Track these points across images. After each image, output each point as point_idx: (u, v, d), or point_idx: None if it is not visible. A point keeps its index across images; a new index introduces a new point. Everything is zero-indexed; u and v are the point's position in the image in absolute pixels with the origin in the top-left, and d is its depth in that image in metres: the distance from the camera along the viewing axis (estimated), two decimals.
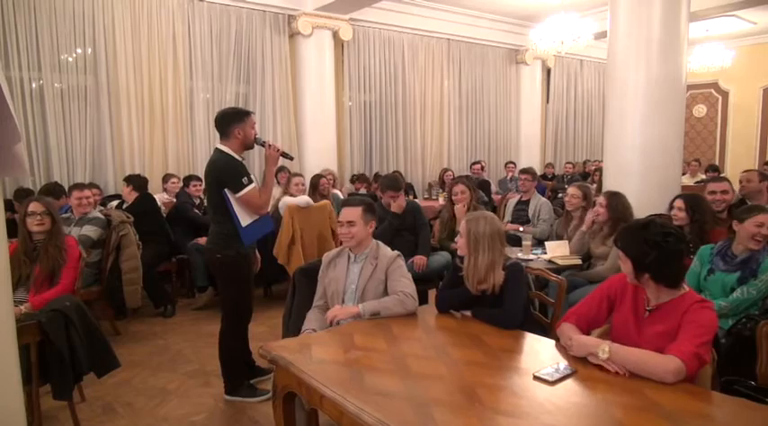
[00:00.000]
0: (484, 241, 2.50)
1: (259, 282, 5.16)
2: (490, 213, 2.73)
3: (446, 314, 2.62)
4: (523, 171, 5.79)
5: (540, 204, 5.32)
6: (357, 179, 8.01)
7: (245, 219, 3.14)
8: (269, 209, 3.39)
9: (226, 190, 3.10)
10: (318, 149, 7.78)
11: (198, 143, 6.98)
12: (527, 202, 5.44)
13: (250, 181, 3.12)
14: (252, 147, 3.29)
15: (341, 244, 2.89)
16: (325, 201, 5.40)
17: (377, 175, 8.30)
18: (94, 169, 6.37)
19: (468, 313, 2.56)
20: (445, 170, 8.94)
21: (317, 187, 5.84)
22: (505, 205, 5.91)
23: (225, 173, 3.11)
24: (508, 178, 9.21)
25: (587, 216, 4.08)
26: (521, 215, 5.41)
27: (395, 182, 4.45)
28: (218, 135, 3.25)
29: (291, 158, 3.58)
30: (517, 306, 2.43)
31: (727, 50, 10.10)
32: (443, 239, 4.71)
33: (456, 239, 2.67)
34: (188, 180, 5.97)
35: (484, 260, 2.49)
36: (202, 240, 5.15)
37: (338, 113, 8.14)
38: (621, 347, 1.91)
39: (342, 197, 6.57)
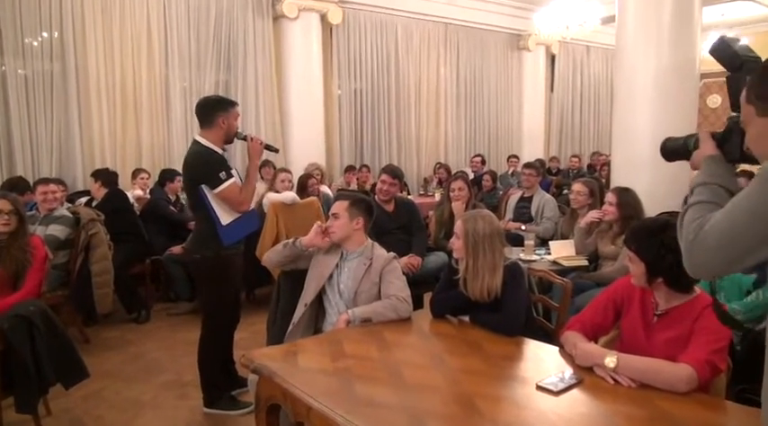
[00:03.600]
0: (484, 242, 2.50)
1: (241, 286, 5.15)
2: (487, 211, 2.73)
3: (442, 319, 2.62)
4: (527, 165, 5.80)
5: (543, 201, 5.33)
6: (348, 170, 8.00)
7: (224, 217, 3.13)
8: (252, 206, 3.38)
9: (203, 186, 3.09)
10: (305, 141, 7.76)
11: (174, 135, 6.94)
12: (530, 199, 5.45)
13: (229, 176, 3.10)
14: (232, 141, 3.29)
15: None
16: (312, 198, 5.39)
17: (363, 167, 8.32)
18: (61, 163, 6.33)
19: (465, 318, 2.56)
20: (440, 165, 8.93)
21: (305, 188, 5.81)
22: (506, 202, 5.93)
23: (201, 167, 3.10)
24: (510, 173, 9.23)
25: (588, 213, 4.09)
26: (523, 212, 5.42)
27: (395, 168, 4.50)
28: (196, 127, 3.25)
29: (276, 150, 3.58)
30: (517, 310, 2.43)
31: (743, 37, 10.15)
32: (440, 239, 4.71)
33: (452, 240, 2.67)
34: (171, 174, 5.90)
35: (485, 262, 2.49)
36: (177, 249, 5.16)
37: (326, 103, 8.12)
38: (629, 356, 1.91)
39: (331, 195, 6.55)
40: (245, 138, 3.27)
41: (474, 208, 4.21)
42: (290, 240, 2.89)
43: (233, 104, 3.25)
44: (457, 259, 2.61)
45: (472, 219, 2.56)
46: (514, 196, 5.75)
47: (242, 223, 3.22)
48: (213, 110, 3.17)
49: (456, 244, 2.59)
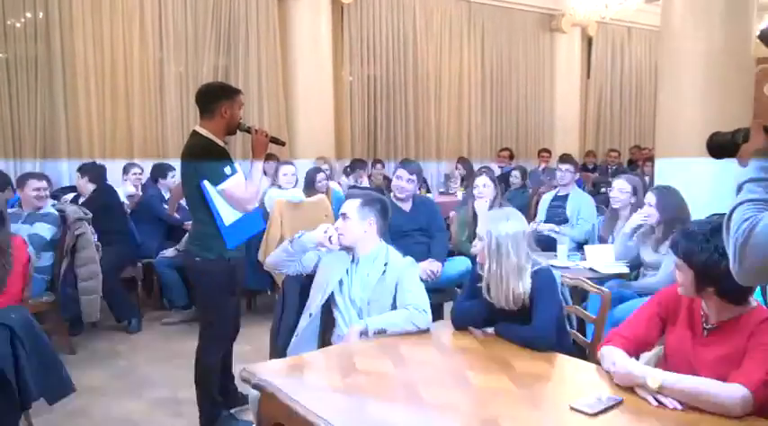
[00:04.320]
0: (507, 243, 2.49)
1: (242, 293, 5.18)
2: (513, 210, 2.72)
3: (465, 331, 2.61)
4: (564, 160, 5.80)
5: (580, 200, 5.32)
6: (351, 169, 7.94)
7: (227, 217, 3.14)
8: (256, 204, 3.40)
9: (204, 181, 3.11)
10: (312, 133, 7.78)
11: (169, 125, 7.00)
12: (565, 198, 5.43)
13: (234, 171, 3.13)
14: (234, 133, 3.31)
15: None
16: (320, 196, 5.39)
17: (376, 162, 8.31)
18: (46, 154, 6.40)
19: (490, 330, 2.55)
20: (462, 160, 8.91)
21: (313, 183, 5.79)
22: (538, 201, 5.91)
23: (204, 160, 3.12)
24: (541, 169, 9.19)
25: (633, 216, 4.07)
26: (557, 212, 5.40)
27: (412, 163, 4.51)
28: (193, 116, 3.27)
29: (283, 143, 3.58)
30: (548, 322, 2.42)
31: None
32: (462, 242, 4.71)
33: (474, 242, 2.67)
34: (159, 170, 5.96)
35: (509, 266, 2.48)
36: (170, 252, 5.19)
37: (336, 91, 8.14)
38: (676, 375, 1.89)
39: (342, 192, 6.56)
40: (248, 130, 3.29)
41: (500, 208, 4.21)
42: (296, 235, 2.90)
43: (237, 92, 3.28)
44: (481, 263, 2.60)
45: (494, 220, 2.56)
46: (547, 195, 5.74)
47: (246, 223, 3.23)
48: (215, 97, 3.19)
49: (479, 246, 2.59)
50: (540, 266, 2.58)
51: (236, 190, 3.14)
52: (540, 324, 2.42)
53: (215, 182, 3.10)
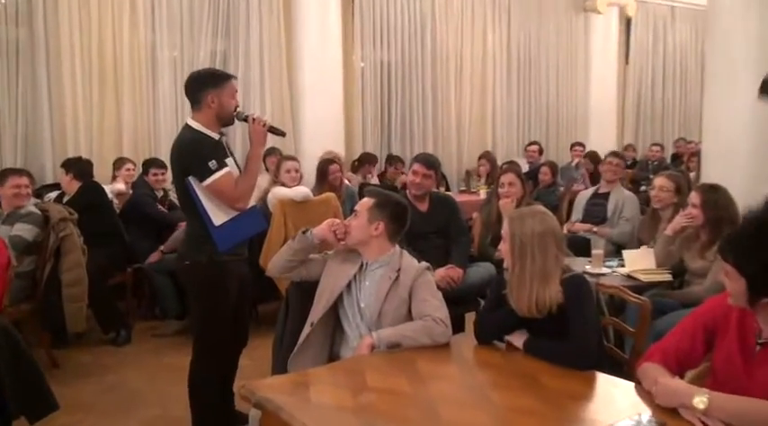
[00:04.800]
0: (533, 244, 2.46)
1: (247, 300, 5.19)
2: (540, 207, 2.70)
3: (489, 345, 2.60)
4: (613, 154, 5.88)
5: (623, 198, 5.31)
6: (359, 164, 7.93)
7: (217, 216, 3.14)
8: (255, 203, 3.40)
9: (190, 177, 3.12)
10: (319, 124, 7.77)
11: (162, 116, 7.03)
12: (605, 195, 5.42)
13: (221, 165, 3.11)
14: (231, 123, 3.30)
15: None
16: (328, 194, 5.37)
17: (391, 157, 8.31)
18: (27, 149, 6.44)
19: (517, 341, 2.53)
20: (486, 154, 8.88)
21: (325, 175, 5.73)
22: (572, 200, 5.91)
23: (188, 155, 3.13)
24: (573, 164, 9.16)
25: (676, 218, 4.05)
26: (596, 212, 5.39)
27: (429, 156, 4.51)
28: (188, 106, 3.28)
29: (283, 134, 3.57)
30: (587, 336, 2.39)
31: None
32: (486, 245, 4.69)
33: (500, 246, 2.66)
34: (148, 165, 6.00)
35: (533, 269, 2.45)
36: (156, 255, 5.25)
37: (346, 77, 8.14)
38: (724, 396, 1.88)
39: (355, 189, 6.56)
40: (245, 119, 3.28)
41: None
42: (300, 230, 2.91)
43: (226, 78, 3.26)
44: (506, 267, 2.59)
45: (519, 218, 2.55)
46: (585, 192, 5.74)
47: (241, 223, 3.21)
48: (201, 86, 3.19)
49: (503, 248, 2.58)
50: (572, 273, 2.57)
51: (224, 187, 3.12)
52: (578, 339, 2.38)
53: (200, 178, 3.09)
